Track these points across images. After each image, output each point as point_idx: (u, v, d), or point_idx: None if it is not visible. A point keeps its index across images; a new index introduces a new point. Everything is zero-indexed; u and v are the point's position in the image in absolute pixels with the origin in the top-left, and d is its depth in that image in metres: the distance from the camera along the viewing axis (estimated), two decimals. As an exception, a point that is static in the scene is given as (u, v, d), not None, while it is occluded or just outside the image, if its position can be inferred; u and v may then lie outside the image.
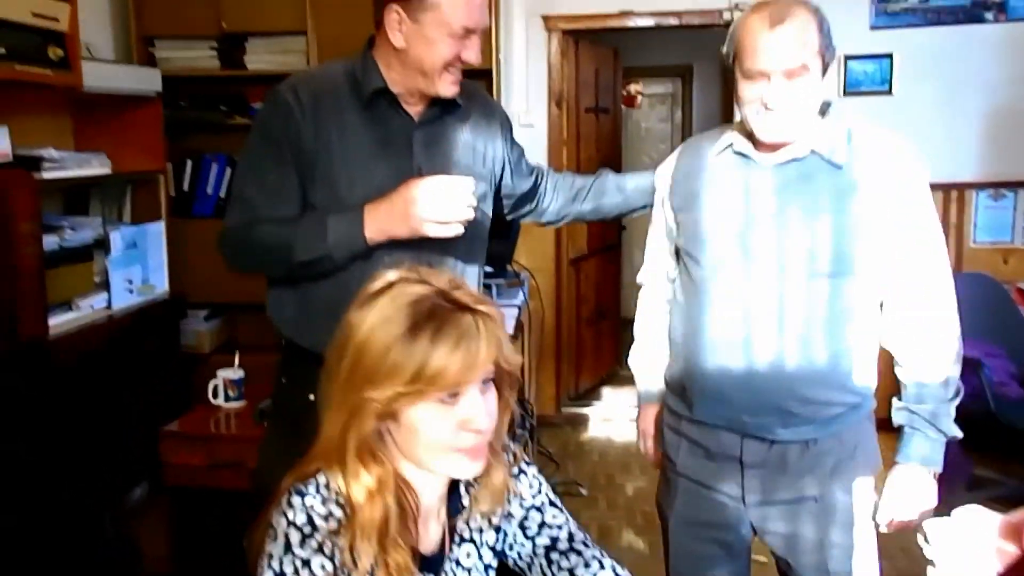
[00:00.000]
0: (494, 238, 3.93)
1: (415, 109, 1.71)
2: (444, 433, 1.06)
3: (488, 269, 3.78)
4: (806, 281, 1.56)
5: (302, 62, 4.02)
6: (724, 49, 1.58)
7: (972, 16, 4.05)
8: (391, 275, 1.11)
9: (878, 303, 1.62)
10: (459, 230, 1.57)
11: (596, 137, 4.88)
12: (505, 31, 4.21)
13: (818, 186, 1.55)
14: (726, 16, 4.15)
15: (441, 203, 1.54)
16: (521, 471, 1.29)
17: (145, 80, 3.44)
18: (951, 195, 4.18)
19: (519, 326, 3.40)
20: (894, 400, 1.64)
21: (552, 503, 1.30)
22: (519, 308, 3.59)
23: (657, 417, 1.87)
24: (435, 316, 1.04)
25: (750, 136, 1.60)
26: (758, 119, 1.54)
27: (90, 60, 3.25)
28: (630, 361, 1.92)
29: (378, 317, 1.05)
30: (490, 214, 1.89)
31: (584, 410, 4.83)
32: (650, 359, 1.87)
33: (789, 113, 1.51)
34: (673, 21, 4.22)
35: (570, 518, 1.30)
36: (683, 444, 1.73)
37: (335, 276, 1.65)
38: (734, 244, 1.60)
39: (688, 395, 1.68)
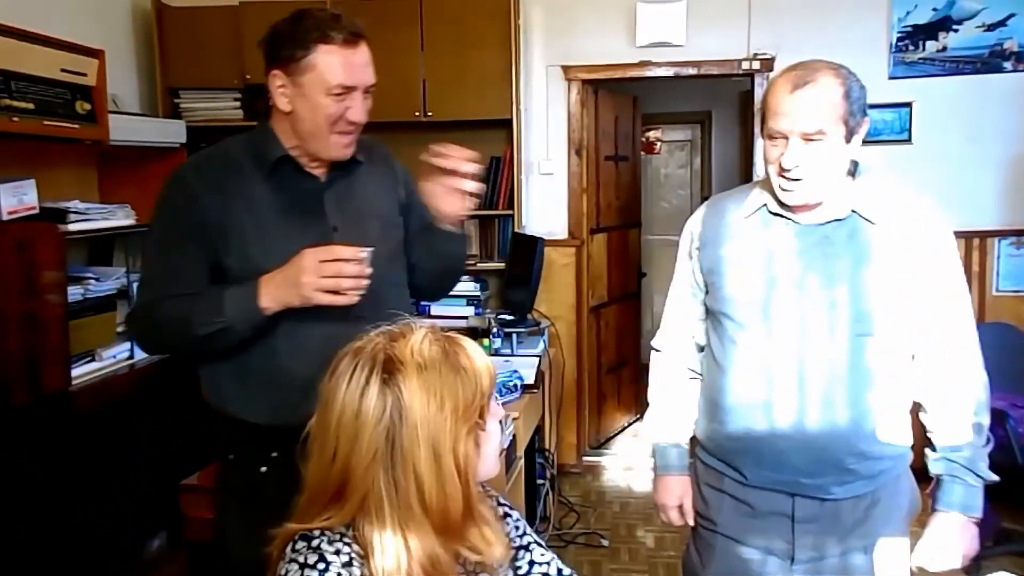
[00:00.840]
0: (514, 286, 3.98)
1: (320, 171, 1.73)
2: None
3: (509, 317, 3.83)
4: (850, 340, 1.58)
5: (324, 112, 4.09)
6: (758, 106, 1.62)
7: (990, 65, 4.06)
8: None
9: (910, 355, 1.64)
10: (352, 299, 1.58)
11: (616, 184, 4.90)
12: (525, 81, 4.27)
13: (860, 244, 1.58)
14: (744, 66, 4.18)
15: (330, 273, 1.56)
16: (506, 514, 1.32)
17: (170, 131, 3.50)
18: (973, 243, 4.15)
19: (539, 374, 3.38)
20: (927, 451, 1.66)
21: (537, 542, 1.33)
22: (539, 357, 3.58)
23: (681, 486, 1.84)
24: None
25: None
26: (778, 181, 1.57)
27: (116, 113, 3.31)
28: (645, 430, 1.90)
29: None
30: (408, 261, 1.91)
31: (605, 459, 4.78)
32: (671, 429, 1.85)
33: (804, 176, 1.52)
34: (691, 71, 4.25)
35: (555, 555, 1.33)
36: (726, 502, 1.72)
37: (263, 344, 1.67)
38: (775, 305, 1.61)
39: (739, 459, 1.68)
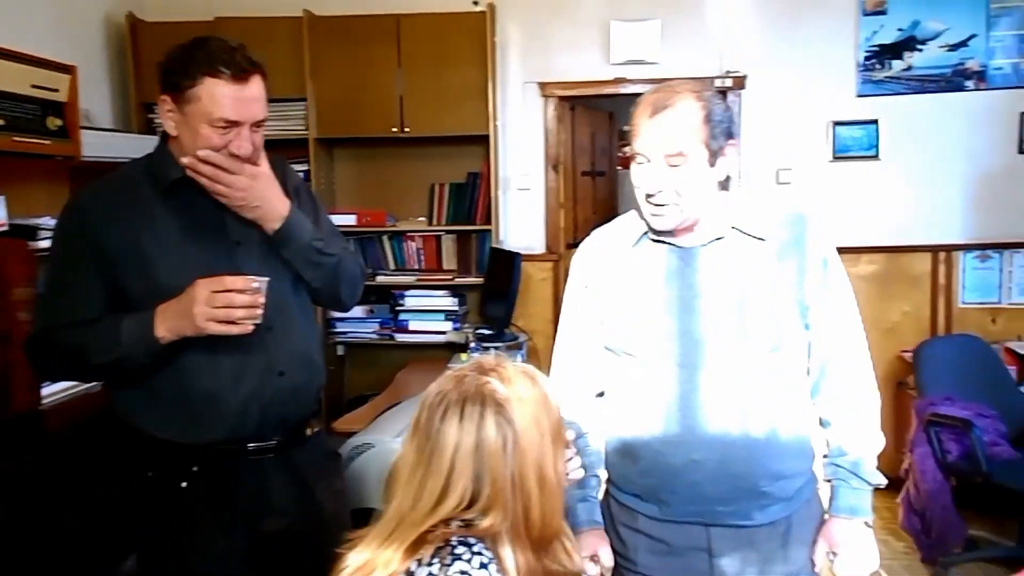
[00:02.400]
0: (492, 301, 3.99)
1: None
2: None
3: (487, 332, 3.84)
4: (757, 357, 1.56)
5: (302, 127, 4.10)
6: (626, 127, 1.61)
7: (953, 84, 4.17)
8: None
9: (807, 369, 1.66)
10: (246, 329, 1.60)
11: (593, 199, 4.95)
12: (502, 97, 4.30)
13: (749, 262, 1.58)
14: (716, 83, 4.26)
15: (221, 304, 1.57)
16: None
17: (144, 147, 3.45)
18: (939, 257, 4.25)
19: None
20: (821, 456, 1.69)
21: None
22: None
23: (592, 540, 1.70)
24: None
25: None
26: (645, 207, 1.57)
27: (89, 128, 3.28)
28: None
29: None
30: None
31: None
32: (587, 478, 1.71)
33: (669, 201, 1.53)
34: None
35: None
36: (641, 541, 1.67)
37: (171, 365, 1.68)
38: (671, 333, 1.59)
39: (653, 495, 1.63)
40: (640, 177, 1.55)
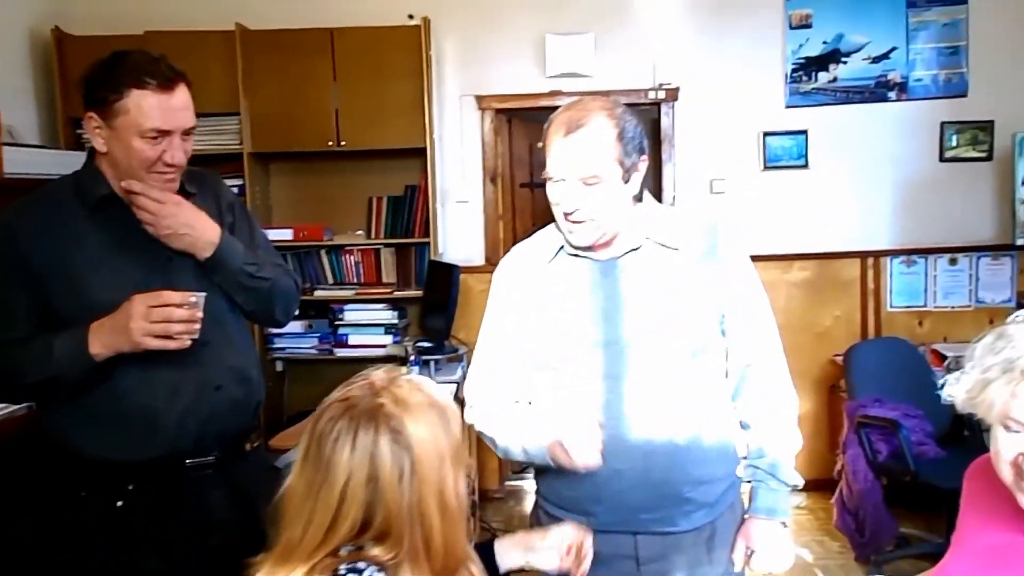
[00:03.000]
0: (432, 314, 3.98)
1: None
2: None
3: (427, 344, 3.84)
4: (679, 364, 1.59)
5: (236, 142, 4.05)
6: (540, 144, 1.62)
7: (877, 95, 4.31)
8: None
9: (725, 374, 1.70)
10: (184, 344, 1.61)
11: (532, 211, 4.98)
12: (439, 110, 4.32)
13: (666, 271, 1.61)
14: (651, 95, 4.33)
15: (159, 319, 1.58)
16: None
17: (72, 163, 3.37)
18: (868, 263, 4.38)
19: (459, 401, 3.39)
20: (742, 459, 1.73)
21: None
22: (458, 383, 3.60)
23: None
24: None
25: None
26: (563, 224, 1.59)
27: (12, 145, 3.20)
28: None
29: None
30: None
31: (527, 482, 4.80)
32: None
33: (586, 218, 1.55)
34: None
35: None
36: None
37: (105, 383, 1.66)
38: (595, 345, 1.60)
39: (580, 506, 1.63)
40: (557, 196, 1.57)
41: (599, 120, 1.51)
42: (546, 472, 1.70)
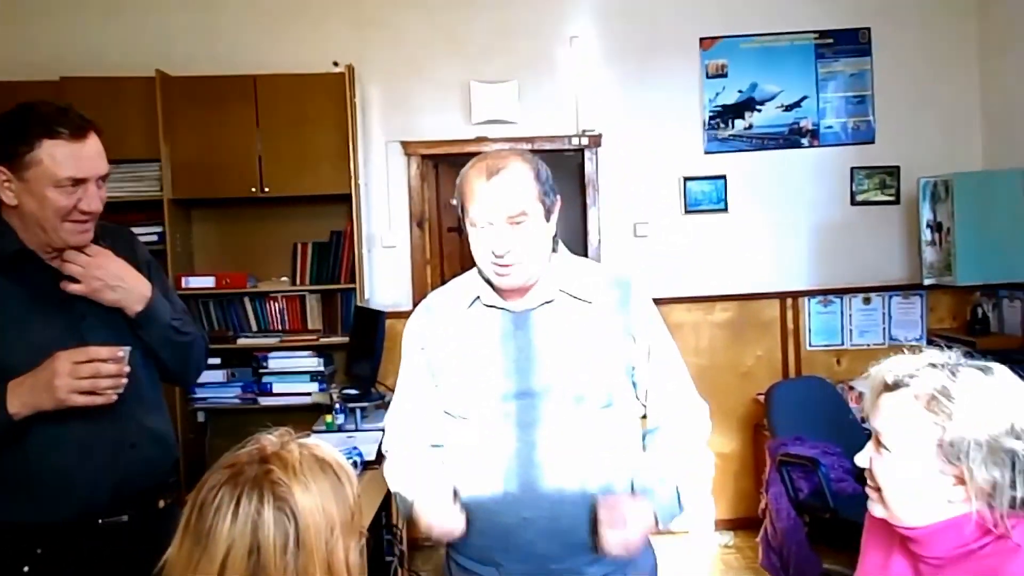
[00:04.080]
0: (358, 360, 3.93)
1: (59, 261, 1.70)
2: None
3: (353, 391, 3.78)
4: (589, 415, 1.60)
5: (156, 189, 3.98)
6: (454, 201, 1.66)
7: (790, 142, 4.48)
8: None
9: (638, 420, 1.72)
10: (110, 399, 1.60)
11: (460, 255, 4.99)
12: (364, 156, 4.32)
13: (577, 323, 1.64)
14: (574, 142, 4.42)
15: (87, 375, 1.56)
16: None
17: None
18: (787, 303, 4.51)
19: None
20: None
21: None
22: (383, 430, 3.53)
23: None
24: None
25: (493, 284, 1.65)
26: (492, 269, 1.60)
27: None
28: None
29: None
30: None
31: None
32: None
33: (516, 260, 1.57)
34: (526, 146, 4.43)
35: None
36: None
37: (14, 444, 1.62)
38: (507, 396, 1.61)
39: (490, 555, 1.64)
40: (485, 242, 1.58)
41: (516, 164, 1.57)
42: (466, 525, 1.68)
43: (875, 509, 1.35)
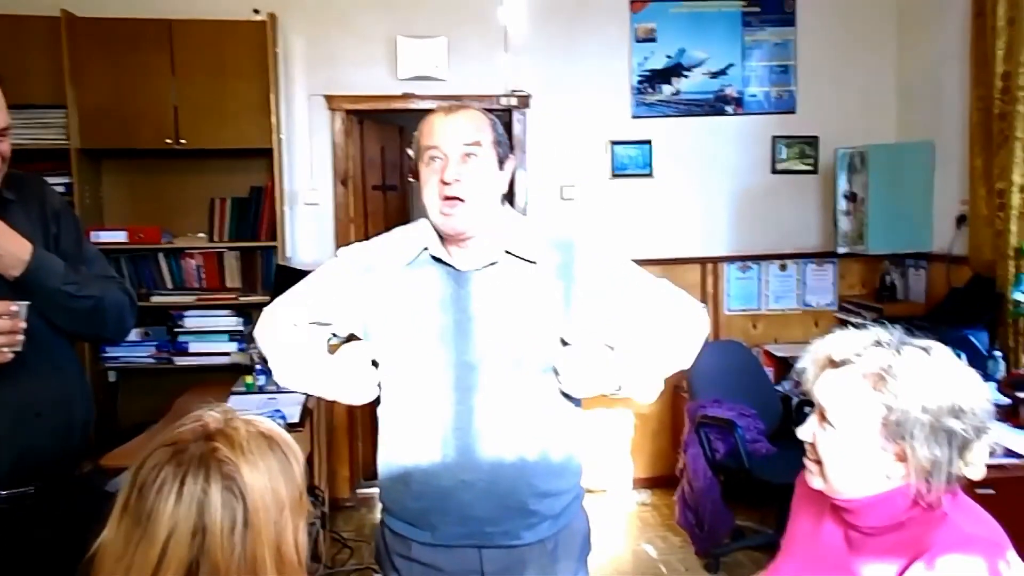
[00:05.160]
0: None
1: None
2: None
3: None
4: (529, 379, 1.60)
5: (62, 137, 3.77)
6: (410, 151, 1.65)
7: (715, 108, 4.54)
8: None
9: None
10: (6, 358, 1.54)
11: (384, 213, 4.91)
12: (287, 110, 4.19)
13: (523, 284, 1.62)
14: (503, 101, 4.37)
15: None
16: None
17: None
18: (707, 268, 4.60)
19: (306, 412, 3.30)
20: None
21: None
22: (305, 392, 3.48)
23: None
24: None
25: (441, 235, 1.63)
26: (439, 206, 1.57)
27: None
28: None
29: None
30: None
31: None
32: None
33: (465, 195, 1.55)
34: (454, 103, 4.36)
35: None
36: (415, 570, 1.67)
37: None
38: (446, 359, 1.60)
39: (425, 519, 1.64)
40: (436, 174, 1.56)
41: (474, 110, 1.63)
42: (392, 483, 1.68)
43: (814, 481, 1.37)
